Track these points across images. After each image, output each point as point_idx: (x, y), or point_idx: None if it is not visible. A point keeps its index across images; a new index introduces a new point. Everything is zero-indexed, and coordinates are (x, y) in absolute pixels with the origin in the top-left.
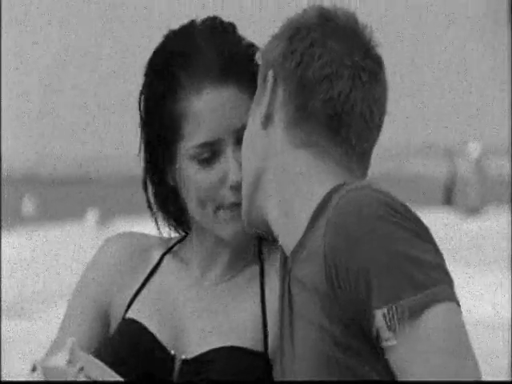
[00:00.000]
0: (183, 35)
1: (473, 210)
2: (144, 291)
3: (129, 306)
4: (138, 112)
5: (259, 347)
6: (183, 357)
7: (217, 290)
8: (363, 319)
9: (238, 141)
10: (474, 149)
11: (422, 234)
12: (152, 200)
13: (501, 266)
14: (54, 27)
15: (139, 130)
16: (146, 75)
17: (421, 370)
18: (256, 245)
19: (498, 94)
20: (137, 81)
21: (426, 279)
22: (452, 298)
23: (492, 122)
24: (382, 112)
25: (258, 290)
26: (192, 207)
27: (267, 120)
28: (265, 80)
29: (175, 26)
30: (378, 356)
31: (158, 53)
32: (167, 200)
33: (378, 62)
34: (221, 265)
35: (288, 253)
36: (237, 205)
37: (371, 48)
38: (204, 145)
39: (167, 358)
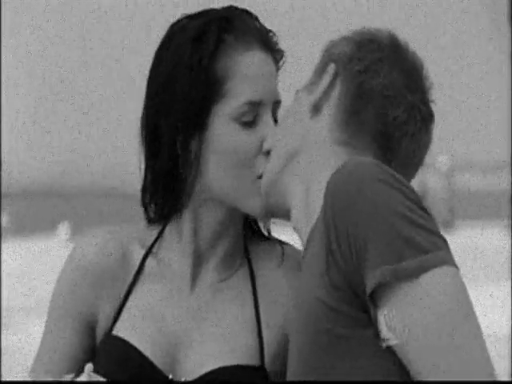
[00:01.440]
0: (216, 9)
1: (445, 225)
2: (129, 302)
3: (115, 319)
4: (148, 87)
5: (256, 359)
6: (183, 379)
7: (208, 299)
8: (359, 283)
9: (273, 115)
10: (443, 162)
11: (420, 203)
12: (145, 184)
13: (480, 280)
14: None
15: (142, 103)
16: (170, 44)
17: (419, 333)
18: (244, 246)
19: (476, 107)
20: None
21: (426, 243)
22: (451, 262)
23: (463, 135)
24: (421, 160)
25: (249, 294)
26: (223, 178)
27: (315, 110)
28: (323, 70)
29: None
30: (370, 323)
31: (187, 22)
32: (161, 184)
33: (431, 115)
34: (212, 267)
35: (303, 241)
36: None
37: (428, 98)
38: (249, 103)
39: (164, 382)
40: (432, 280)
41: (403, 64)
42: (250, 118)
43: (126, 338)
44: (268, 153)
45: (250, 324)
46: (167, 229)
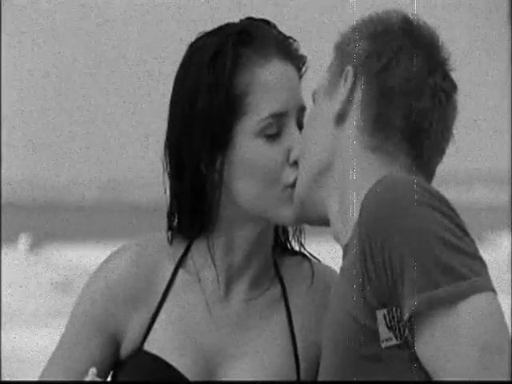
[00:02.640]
0: (232, 24)
1: None
2: (160, 317)
3: (145, 334)
4: (170, 108)
5: (293, 378)
6: None
7: (241, 315)
8: (393, 305)
9: (298, 122)
10: None
11: (460, 222)
12: (172, 201)
13: None
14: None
15: (165, 126)
16: (189, 64)
17: (453, 364)
18: (273, 263)
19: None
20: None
21: (463, 269)
22: (489, 287)
23: (465, 147)
24: (450, 134)
25: (283, 313)
26: (252, 193)
27: (340, 118)
28: (340, 73)
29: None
30: (405, 345)
31: (205, 40)
32: (187, 205)
33: (453, 85)
34: (244, 284)
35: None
36: None
37: (448, 68)
38: (273, 116)
39: None
40: (468, 308)
41: (420, 45)
42: (273, 131)
43: (157, 353)
44: (296, 163)
45: (285, 342)
46: (196, 242)
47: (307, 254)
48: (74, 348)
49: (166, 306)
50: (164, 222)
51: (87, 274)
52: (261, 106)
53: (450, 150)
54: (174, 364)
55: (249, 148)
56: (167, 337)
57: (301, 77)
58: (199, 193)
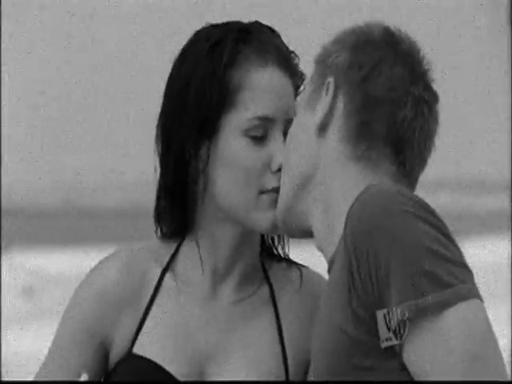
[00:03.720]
0: (238, 22)
1: None
2: (148, 321)
3: (134, 338)
4: (164, 94)
5: (281, 378)
6: None
7: (229, 316)
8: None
9: (284, 130)
10: None
11: (445, 231)
12: (157, 199)
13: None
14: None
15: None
16: (189, 50)
17: (438, 371)
18: (262, 266)
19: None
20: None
21: (449, 277)
22: (475, 295)
23: (464, 154)
24: (433, 144)
25: (272, 315)
26: (229, 191)
27: (322, 129)
28: (322, 85)
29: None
30: (394, 355)
31: (207, 31)
32: (170, 197)
33: (435, 97)
34: (230, 286)
35: (327, 260)
36: (278, 190)
37: (430, 80)
38: (260, 118)
39: None
40: (454, 316)
41: (402, 56)
42: (259, 134)
43: (147, 356)
44: (279, 171)
45: (273, 343)
46: (183, 246)
47: (293, 260)
48: (66, 355)
49: (153, 309)
50: (132, 227)
51: (53, 279)
52: (249, 105)
53: (448, 155)
54: (159, 363)
55: (232, 145)
56: (155, 340)
57: (297, 94)
58: (182, 185)
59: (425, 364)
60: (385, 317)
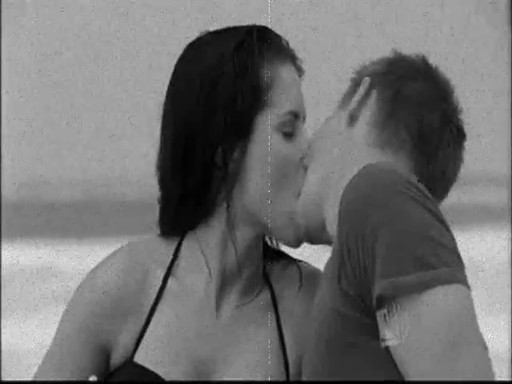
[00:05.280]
0: (246, 26)
1: None
2: (151, 327)
3: (136, 345)
4: (178, 95)
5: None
6: None
7: (232, 322)
8: (366, 293)
9: None
10: None
11: (440, 217)
12: (169, 196)
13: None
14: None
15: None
16: (207, 52)
17: (415, 352)
18: (262, 265)
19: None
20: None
21: (433, 259)
22: (460, 280)
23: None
24: (454, 178)
25: (272, 318)
26: (264, 193)
27: (352, 118)
28: (358, 85)
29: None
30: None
31: (221, 37)
32: (191, 197)
33: (463, 132)
34: (236, 290)
35: None
36: None
37: (460, 114)
38: (291, 113)
39: None
40: (432, 299)
41: (436, 79)
42: (290, 129)
43: (148, 364)
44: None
45: (274, 347)
46: (184, 246)
47: (291, 257)
48: (64, 359)
49: (156, 315)
50: (134, 221)
51: (23, 273)
52: (281, 101)
53: None
54: (164, 375)
55: (267, 141)
56: (158, 347)
57: None
58: (206, 186)
59: (402, 345)
60: (385, 317)
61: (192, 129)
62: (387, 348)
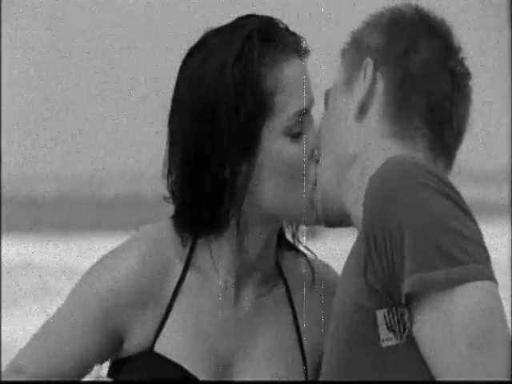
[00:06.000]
0: (245, 22)
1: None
2: (171, 318)
3: (156, 335)
4: (182, 108)
5: (301, 377)
6: None
7: (250, 315)
8: (394, 288)
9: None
10: None
11: (466, 209)
12: (184, 204)
13: None
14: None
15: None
16: (208, 62)
17: (440, 350)
18: (275, 258)
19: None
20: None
21: (462, 254)
22: (488, 276)
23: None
24: (467, 119)
25: (289, 311)
26: (281, 197)
27: (361, 111)
28: (357, 68)
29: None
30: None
31: (221, 42)
32: (205, 206)
33: (468, 72)
34: (253, 284)
35: None
36: None
37: (463, 57)
38: (298, 114)
39: None
40: (462, 296)
41: (435, 31)
42: (298, 129)
43: (168, 355)
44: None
45: (292, 341)
46: (204, 239)
47: (301, 250)
48: (68, 334)
49: (176, 306)
50: (133, 216)
51: (4, 268)
52: (288, 104)
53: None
54: (180, 362)
55: (276, 148)
56: (178, 339)
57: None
58: (219, 198)
59: (429, 342)
60: (385, 316)
61: (199, 145)
62: (412, 344)
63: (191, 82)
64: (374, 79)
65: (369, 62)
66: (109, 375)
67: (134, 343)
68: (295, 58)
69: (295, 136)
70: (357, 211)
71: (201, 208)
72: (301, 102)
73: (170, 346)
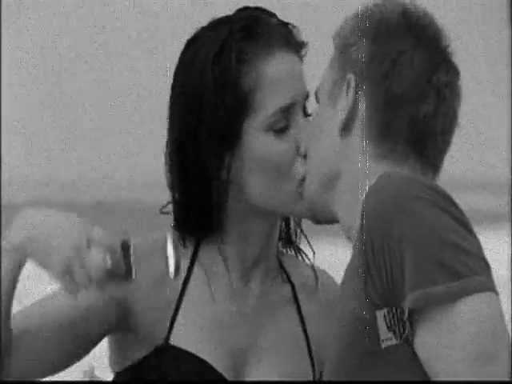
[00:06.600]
0: (232, 18)
1: None
2: (182, 312)
3: (170, 328)
4: (171, 109)
5: (309, 376)
6: None
7: (257, 312)
8: (394, 302)
9: (304, 109)
10: None
11: (465, 220)
12: (178, 202)
13: None
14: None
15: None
16: (193, 61)
17: (444, 364)
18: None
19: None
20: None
21: (462, 267)
22: (489, 288)
23: (461, 153)
24: (456, 124)
25: (295, 315)
26: (266, 191)
27: (345, 129)
28: (342, 78)
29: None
30: (408, 342)
31: (207, 36)
32: (197, 201)
33: (456, 73)
34: (257, 279)
35: None
36: None
37: (450, 57)
38: (281, 110)
39: None
40: (464, 309)
41: (422, 41)
42: (282, 124)
43: (184, 347)
44: (305, 156)
45: (299, 338)
46: (204, 240)
47: (301, 253)
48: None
49: (185, 300)
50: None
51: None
52: (269, 101)
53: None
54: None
55: (258, 144)
56: (190, 334)
57: (301, 61)
58: (207, 192)
59: (432, 356)
60: (385, 316)
61: (185, 140)
62: (414, 357)
63: (184, 73)
64: (355, 99)
65: (351, 79)
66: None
67: (146, 330)
68: (283, 52)
69: (280, 131)
70: (346, 219)
71: (192, 202)
72: (283, 98)
73: (182, 339)
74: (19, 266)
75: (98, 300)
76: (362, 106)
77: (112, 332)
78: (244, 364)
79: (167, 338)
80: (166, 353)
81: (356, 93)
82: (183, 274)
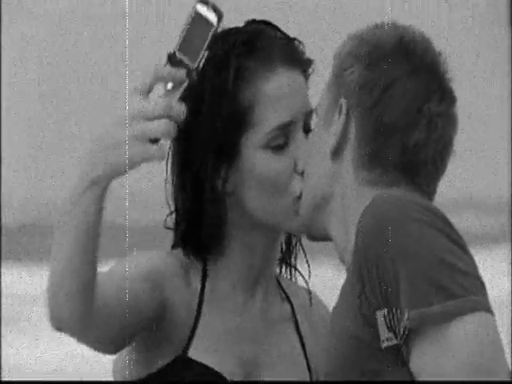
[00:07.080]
0: (237, 31)
1: None
2: (201, 325)
3: (189, 340)
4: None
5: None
6: None
7: (261, 328)
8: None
9: (305, 126)
10: None
11: (459, 240)
12: (179, 223)
13: None
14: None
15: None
16: (203, 72)
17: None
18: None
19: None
20: None
21: (457, 287)
22: (484, 308)
23: (462, 172)
24: (450, 151)
25: (294, 334)
26: (262, 206)
27: (336, 153)
28: (336, 102)
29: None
30: (403, 361)
31: (212, 49)
32: (194, 222)
33: (452, 101)
34: (260, 295)
35: None
36: None
37: (447, 85)
38: (279, 127)
39: None
40: (459, 328)
41: (415, 69)
42: (281, 142)
43: (201, 359)
44: (302, 173)
45: (300, 358)
46: (209, 257)
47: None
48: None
49: (202, 313)
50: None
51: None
52: (267, 118)
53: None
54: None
55: (256, 160)
56: (208, 347)
57: (307, 79)
58: (198, 198)
59: (427, 374)
60: (385, 317)
61: (182, 154)
62: (410, 376)
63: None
64: (347, 125)
65: (343, 104)
66: None
67: (170, 337)
68: (284, 68)
69: (278, 148)
70: (339, 240)
71: (190, 212)
72: (282, 116)
73: (201, 353)
74: (101, 196)
75: (144, 291)
76: (353, 132)
77: (144, 329)
78: (250, 377)
79: (186, 348)
80: (186, 366)
81: (347, 118)
82: (196, 285)
